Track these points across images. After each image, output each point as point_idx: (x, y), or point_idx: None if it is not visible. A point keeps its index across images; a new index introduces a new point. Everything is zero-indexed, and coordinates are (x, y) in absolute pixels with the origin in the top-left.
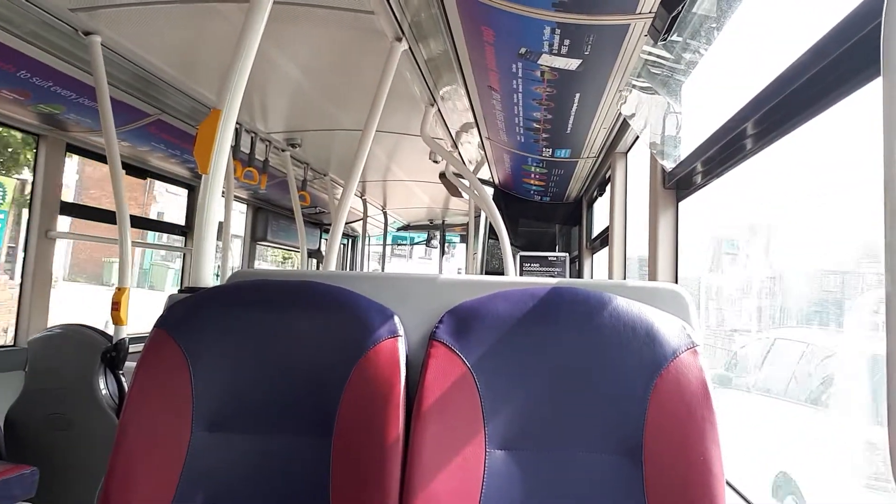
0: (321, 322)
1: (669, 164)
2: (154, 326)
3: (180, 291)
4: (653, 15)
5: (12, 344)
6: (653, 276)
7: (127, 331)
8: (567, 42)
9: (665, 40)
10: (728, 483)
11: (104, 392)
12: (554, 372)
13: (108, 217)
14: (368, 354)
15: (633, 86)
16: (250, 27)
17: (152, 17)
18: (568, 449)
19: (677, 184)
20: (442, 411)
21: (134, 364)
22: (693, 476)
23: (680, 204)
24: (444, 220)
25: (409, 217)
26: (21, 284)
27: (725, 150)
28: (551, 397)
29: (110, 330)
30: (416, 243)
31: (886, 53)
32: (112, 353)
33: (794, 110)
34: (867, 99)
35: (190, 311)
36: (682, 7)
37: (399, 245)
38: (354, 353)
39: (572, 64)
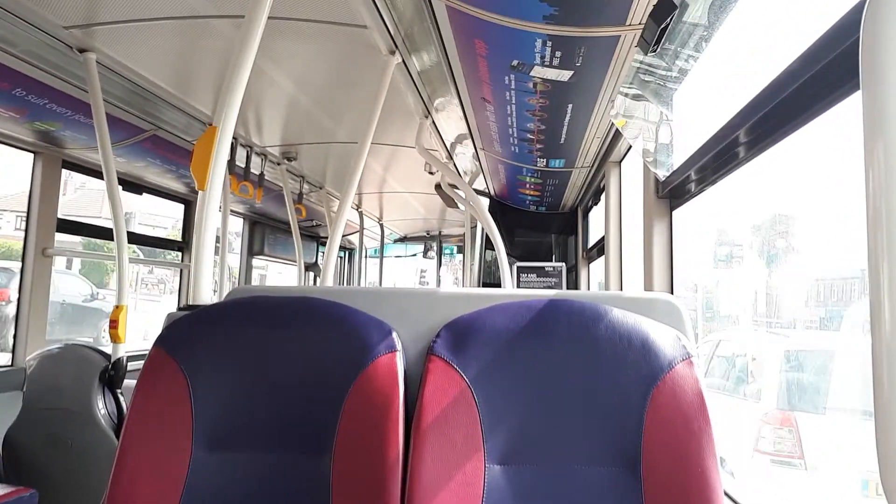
0: (319, 338)
1: (663, 174)
2: (153, 345)
3: (179, 309)
4: (642, 26)
5: (10, 364)
6: (648, 286)
7: (125, 349)
8: (558, 54)
9: (655, 51)
10: (726, 493)
11: (103, 411)
12: (551, 385)
13: (105, 234)
14: (367, 370)
15: (625, 95)
16: (245, 43)
17: (147, 33)
18: (567, 462)
19: (671, 193)
20: (441, 427)
21: (132, 382)
22: (691, 487)
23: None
24: (440, 232)
25: (405, 229)
26: (18, 303)
27: (718, 158)
28: (549, 411)
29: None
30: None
31: (865, 68)
32: (110, 371)
33: (786, 118)
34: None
35: (189, 329)
36: (671, 18)
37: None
38: (353, 368)
39: (564, 75)
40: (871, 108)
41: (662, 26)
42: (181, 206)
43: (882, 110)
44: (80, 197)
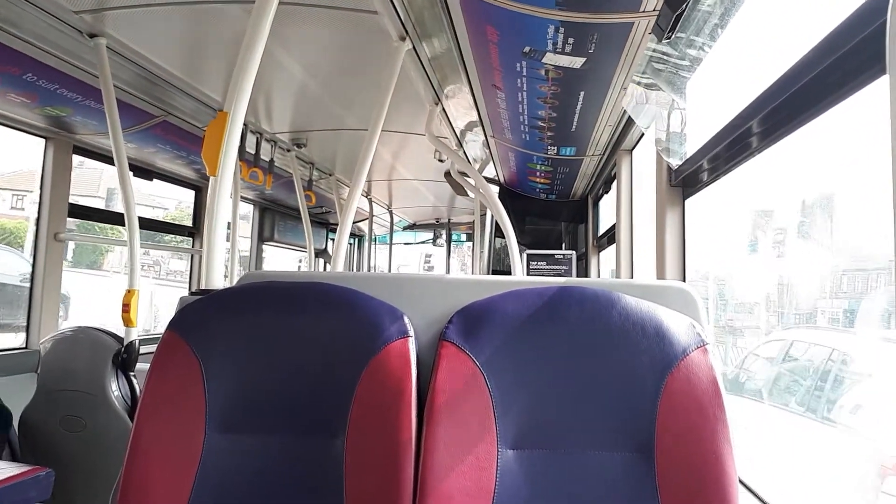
0: (332, 323)
1: (675, 162)
2: (166, 329)
3: (191, 293)
4: (657, 13)
5: (24, 346)
6: (661, 274)
7: (137, 332)
8: (571, 40)
9: (669, 38)
10: (741, 481)
11: (116, 394)
12: (564, 371)
13: (117, 219)
14: (379, 355)
15: (638, 83)
16: (256, 28)
17: (157, 18)
18: (579, 447)
19: (684, 181)
20: (453, 411)
21: (145, 365)
22: (706, 474)
23: (686, 202)
24: (449, 219)
25: (414, 216)
26: (31, 287)
27: (732, 147)
28: (562, 396)
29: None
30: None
31: (892, 52)
32: (123, 354)
33: (800, 108)
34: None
35: (201, 313)
36: (686, 5)
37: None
38: (365, 353)
39: (576, 62)
40: None
41: (677, 13)
42: (177, 188)
43: None
44: (76, 177)
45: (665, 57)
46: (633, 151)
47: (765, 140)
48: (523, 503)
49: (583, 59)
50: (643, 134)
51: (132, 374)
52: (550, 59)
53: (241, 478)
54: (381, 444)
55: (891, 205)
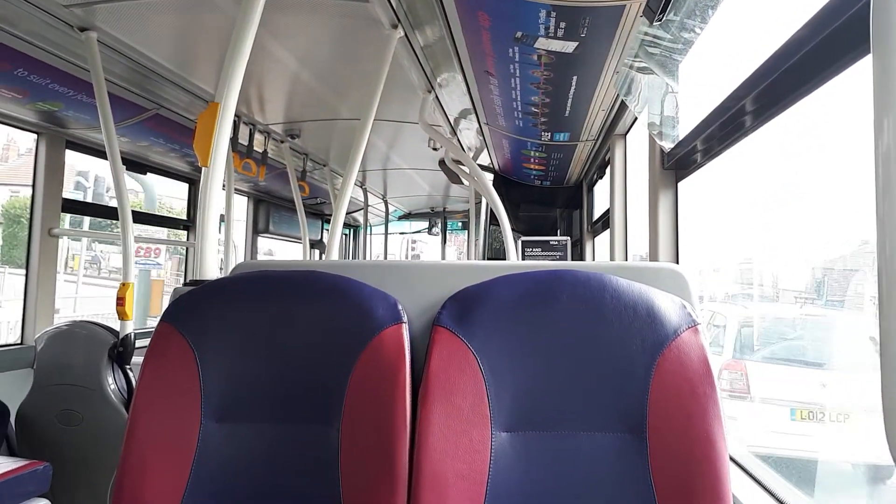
0: (325, 311)
1: (668, 145)
2: (160, 320)
3: (185, 284)
4: None
5: (19, 342)
6: (653, 256)
7: (133, 325)
8: (563, 25)
9: (660, 21)
10: (732, 458)
11: (113, 387)
12: (557, 354)
13: (110, 213)
14: (373, 342)
15: (631, 66)
16: (246, 18)
17: (147, 11)
18: (572, 429)
19: (676, 164)
20: (447, 396)
21: (141, 359)
22: (697, 452)
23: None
24: (445, 208)
25: (410, 205)
26: (26, 282)
27: (724, 127)
28: (555, 379)
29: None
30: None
31: (875, 31)
32: (119, 348)
33: (792, 86)
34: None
35: (195, 303)
36: None
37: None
38: (359, 340)
39: (569, 47)
40: (881, 72)
41: None
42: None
43: (893, 74)
44: (26, 163)
45: (657, 40)
46: (627, 136)
47: (758, 119)
48: (517, 485)
49: (575, 44)
50: (636, 118)
51: (128, 367)
52: (543, 43)
53: (237, 466)
54: (376, 429)
55: (874, 183)
